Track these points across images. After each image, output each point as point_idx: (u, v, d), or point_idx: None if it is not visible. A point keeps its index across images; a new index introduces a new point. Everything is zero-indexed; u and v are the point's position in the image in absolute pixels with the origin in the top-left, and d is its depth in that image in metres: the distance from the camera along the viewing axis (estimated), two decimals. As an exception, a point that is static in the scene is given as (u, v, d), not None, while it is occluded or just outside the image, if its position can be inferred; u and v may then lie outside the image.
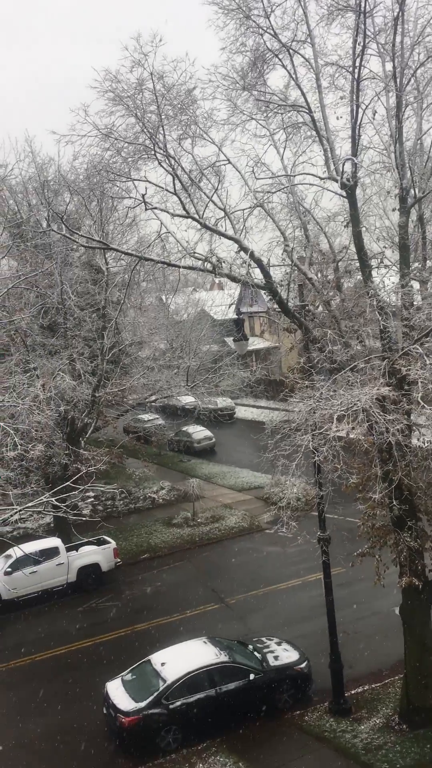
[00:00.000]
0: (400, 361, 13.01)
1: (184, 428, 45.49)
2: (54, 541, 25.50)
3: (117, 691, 16.52)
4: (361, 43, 13.52)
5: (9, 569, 23.74)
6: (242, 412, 54.06)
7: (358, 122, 14.11)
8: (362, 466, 14.71)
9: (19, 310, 22.86)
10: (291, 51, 14.32)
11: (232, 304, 44.32)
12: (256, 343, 60.97)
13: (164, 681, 16.20)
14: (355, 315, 15.16)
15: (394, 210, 15.39)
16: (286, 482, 30.21)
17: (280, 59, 14.60)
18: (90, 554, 25.56)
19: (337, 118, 14.64)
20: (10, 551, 23.54)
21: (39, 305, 25.49)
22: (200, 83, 14.59)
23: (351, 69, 13.87)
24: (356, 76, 13.77)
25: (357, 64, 13.69)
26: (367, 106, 14.34)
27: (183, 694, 16.07)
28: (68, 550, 25.30)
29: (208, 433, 45.30)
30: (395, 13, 13.37)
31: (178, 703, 15.95)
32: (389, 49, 13.84)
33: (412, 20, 14.02)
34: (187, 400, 44.49)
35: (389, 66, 14.04)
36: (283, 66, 14.60)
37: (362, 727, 15.84)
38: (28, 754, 16.35)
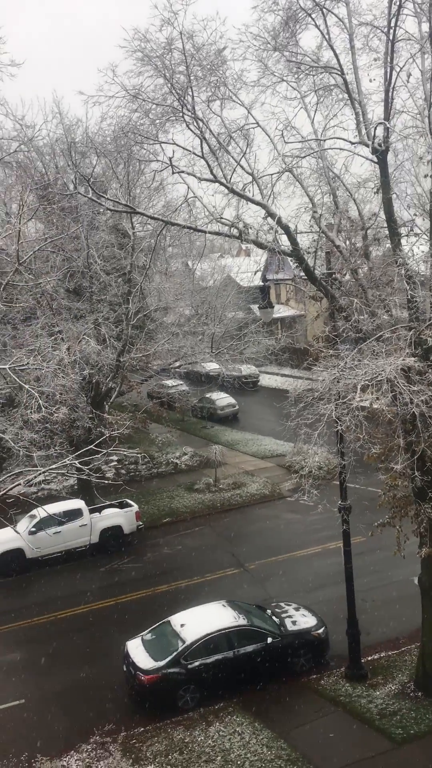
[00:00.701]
0: (426, 332, 12.88)
1: (208, 395, 45.57)
2: (77, 503, 25.91)
3: (137, 650, 16.87)
4: (398, 3, 13.10)
5: (33, 529, 24.21)
6: (266, 380, 54.00)
7: (392, 85, 13.75)
8: (385, 437, 14.65)
9: (45, 274, 22.86)
10: (324, 10, 13.94)
11: (258, 270, 43.94)
12: (281, 311, 60.61)
13: (183, 641, 16.50)
14: (382, 284, 14.96)
15: (426, 176, 15.02)
16: (308, 451, 30.35)
17: (312, 19, 14.21)
18: (112, 516, 25.93)
19: (370, 81, 14.28)
20: (34, 512, 23.96)
21: (65, 269, 25.47)
22: (230, 43, 14.29)
23: (386, 29, 13.47)
24: (391, 37, 13.37)
25: (392, 24, 13.28)
26: (401, 69, 13.93)
27: (201, 655, 16.37)
28: (91, 512, 25.68)
29: (231, 400, 45.36)
30: (434, -29, 12.93)
31: (197, 664, 16.26)
32: (426, 10, 13.39)
33: (451, -21, 13.53)
34: (212, 366, 44.47)
35: (426, 27, 13.60)
36: (316, 26, 14.22)
37: (377, 693, 16.04)
38: (50, 707, 16.83)
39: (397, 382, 11.80)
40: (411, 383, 12.09)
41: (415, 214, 16.31)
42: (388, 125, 13.83)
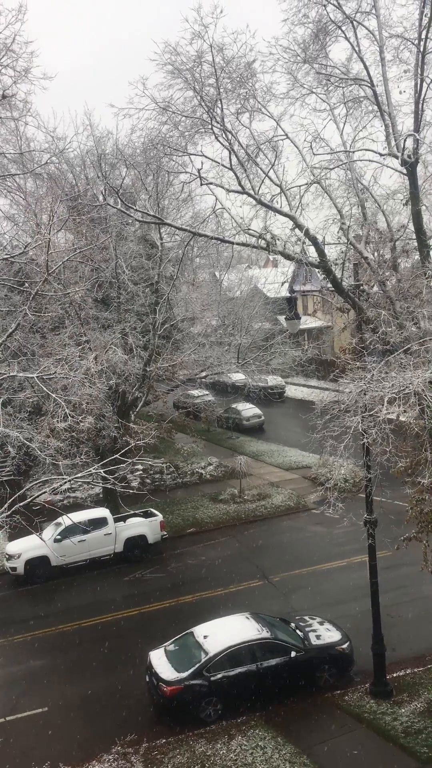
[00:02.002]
0: (455, 344, 12.73)
1: (234, 405, 45.53)
2: (102, 512, 25.99)
3: (160, 661, 16.83)
4: (429, 15, 13.11)
5: (58, 537, 24.33)
6: (292, 391, 53.80)
7: (422, 97, 13.74)
8: (412, 450, 14.51)
9: (73, 284, 23.11)
10: (355, 23, 14.01)
11: (285, 282, 44.02)
12: (308, 322, 60.42)
13: (206, 653, 16.43)
14: (410, 296, 14.87)
15: (456, 188, 14.97)
16: (334, 463, 30.08)
17: (342, 31, 14.30)
18: (137, 526, 25.97)
19: (400, 93, 14.30)
20: (59, 519, 24.08)
21: (93, 279, 25.74)
22: (260, 56, 14.43)
23: (416, 41, 13.48)
24: (422, 48, 13.39)
25: (423, 36, 13.31)
26: None
27: (224, 667, 16.27)
28: (116, 521, 25.75)
29: (257, 410, 45.27)
30: (465, -17, 12.89)
31: (219, 676, 16.16)
32: (457, 21, 13.36)
33: None
34: (238, 377, 44.50)
35: (457, 38, 13.56)
36: (346, 38, 14.29)
37: (403, 711, 15.80)
38: (72, 715, 16.84)
39: (425, 395, 11.70)
40: (439, 396, 11.96)
41: (444, 226, 16.19)
42: (417, 137, 13.80)
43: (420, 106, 13.73)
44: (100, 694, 17.64)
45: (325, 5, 14.10)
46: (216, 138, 14.82)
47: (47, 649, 20.15)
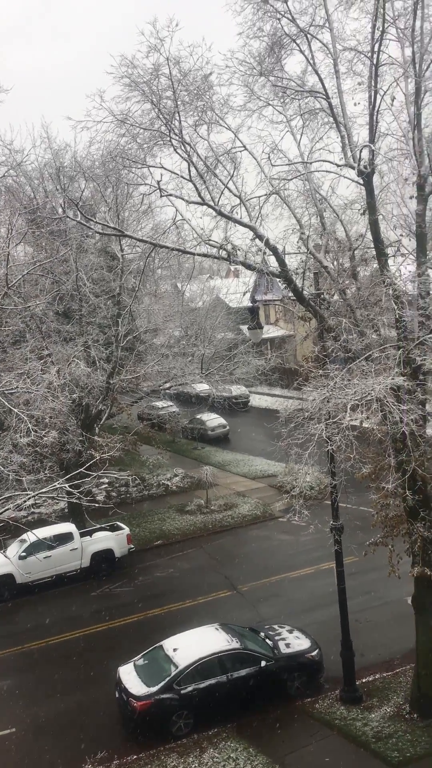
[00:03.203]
0: (415, 351, 12.95)
1: (198, 416, 45.53)
2: (68, 527, 25.70)
3: (129, 676, 16.66)
4: (380, 28, 13.34)
5: (23, 554, 23.96)
6: (256, 401, 54.02)
7: (376, 108, 13.95)
8: (376, 456, 14.67)
9: (34, 297, 22.89)
10: (309, 36, 14.16)
11: (246, 292, 44.21)
12: (270, 332, 60.82)
13: (176, 666, 16.31)
14: (370, 304, 15.06)
15: (411, 197, 15.22)
16: (300, 471, 30.21)
17: (297, 44, 14.44)
18: (103, 540, 25.74)
19: (355, 104, 14.49)
20: (24, 536, 23.77)
21: (54, 292, 25.53)
22: (217, 69, 14.49)
23: (369, 54, 13.69)
24: (375, 61, 13.59)
25: (376, 49, 13.51)
26: (385, 92, 14.16)
27: (195, 680, 16.18)
28: (82, 535, 25.49)
29: (222, 420, 45.32)
30: (415, -2, 13.18)
31: (190, 689, 16.06)
32: (408, 35, 13.65)
33: (433, 5, 13.80)
34: (202, 387, 44.53)
35: (408, 51, 13.87)
36: (301, 51, 14.44)
37: (373, 716, 15.88)
38: (41, 735, 16.56)
39: (387, 402, 11.84)
40: (401, 402, 12.13)
41: (401, 235, 16.46)
42: (373, 148, 14.01)
43: (374, 117, 13.94)
44: (70, 712, 17.38)
45: (279, 19, 14.25)
46: (175, 150, 14.85)
47: (14, 668, 19.81)
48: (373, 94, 13.79)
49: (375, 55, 13.55)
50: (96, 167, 22.31)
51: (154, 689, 15.93)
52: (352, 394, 12.00)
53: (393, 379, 12.16)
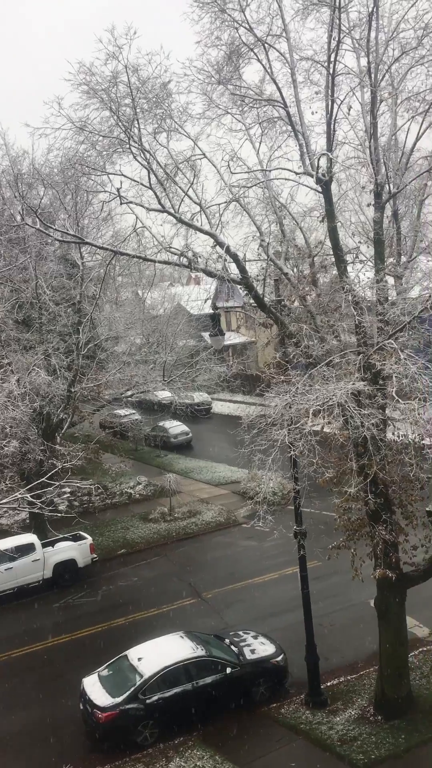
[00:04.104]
0: (375, 356, 13.10)
1: (161, 423, 45.38)
2: (29, 538, 25.33)
3: (93, 687, 16.48)
4: (336, 38, 13.54)
5: (-16, 566, 23.56)
6: (219, 407, 54.07)
7: (333, 117, 14.14)
8: (338, 461, 14.80)
9: (-7, 305, 22.64)
10: (266, 45, 14.28)
11: (208, 299, 44.33)
12: (232, 338, 60.97)
13: (141, 676, 16.19)
14: (330, 310, 15.23)
15: (369, 205, 15.45)
16: (263, 477, 30.33)
17: (255, 53, 14.55)
18: (66, 550, 25.43)
19: (312, 113, 14.66)
20: (-16, 548, 23.35)
21: (13, 300, 25.25)
22: (175, 77, 14.52)
23: (326, 64, 13.89)
24: (331, 71, 13.79)
25: (332, 59, 13.71)
26: (342, 102, 14.36)
27: (160, 689, 16.08)
28: (44, 546, 25.14)
29: (184, 428, 45.25)
30: (370, 9, 13.41)
31: (155, 698, 15.95)
32: (364, 45, 13.85)
33: (387, 16, 14.06)
34: (164, 395, 44.38)
35: (364, 61, 14.07)
36: (259, 60, 14.56)
37: (338, 719, 15.97)
38: (5, 750, 16.25)
39: (348, 406, 11.96)
40: (361, 407, 12.27)
41: (359, 242, 16.70)
42: (330, 156, 14.20)
43: (332, 126, 14.13)
44: (33, 726, 17.11)
45: (236, 28, 14.35)
46: (134, 157, 14.82)
47: (-25, 683, 19.42)
48: (330, 103, 13.98)
49: (331, 65, 13.75)
50: (55, 174, 22.20)
51: (118, 700, 15.79)
52: (314, 399, 12.11)
53: (354, 384, 12.29)
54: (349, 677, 17.79)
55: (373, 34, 13.65)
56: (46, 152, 16.87)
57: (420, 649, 18.32)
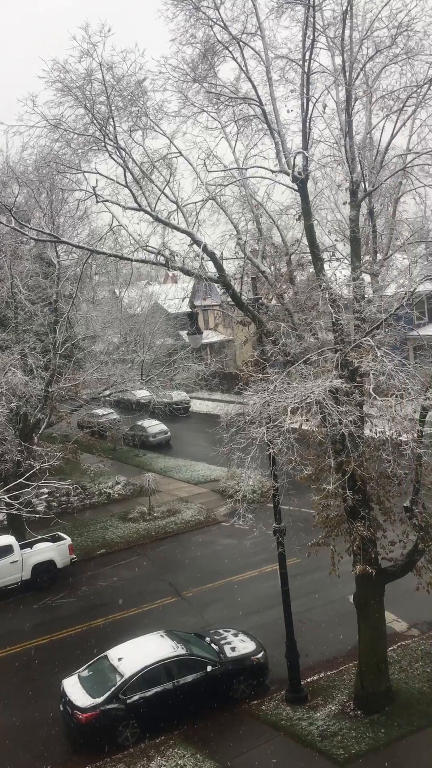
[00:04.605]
0: (352, 354, 13.18)
1: (139, 422, 45.28)
2: (7, 539, 25.12)
3: (74, 688, 16.40)
4: (311, 37, 13.58)
5: (-39, 568, 23.33)
6: (197, 406, 54.06)
7: (309, 116, 14.18)
8: (316, 458, 14.86)
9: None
10: (241, 43, 14.28)
11: (185, 297, 44.19)
12: (210, 337, 61.01)
13: (121, 676, 16.14)
14: (307, 308, 15.28)
15: (345, 203, 15.54)
16: (242, 475, 30.33)
17: (230, 51, 14.54)
18: (45, 551, 25.26)
19: (288, 111, 14.70)
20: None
21: (-12, 299, 25.00)
22: (150, 74, 14.45)
23: (301, 62, 13.92)
24: (306, 69, 13.82)
25: (307, 57, 13.75)
26: (317, 100, 14.42)
27: (140, 688, 16.03)
28: (22, 547, 24.96)
29: (163, 427, 45.18)
30: (344, 7, 13.45)
31: (136, 698, 15.91)
32: (338, 43, 13.91)
33: (361, 14, 14.13)
34: (142, 394, 44.29)
35: (339, 60, 14.14)
36: (234, 58, 14.55)
37: (318, 715, 16.05)
38: (-17, 754, 16.13)
39: (326, 404, 12.01)
40: (339, 404, 12.32)
41: (336, 240, 16.78)
42: (306, 154, 14.23)
43: (307, 124, 14.17)
44: (13, 729, 16.98)
45: (211, 26, 14.32)
46: (110, 155, 14.73)
47: None
48: (305, 101, 14.02)
49: (306, 63, 13.79)
50: (30, 172, 22.01)
51: (99, 700, 15.72)
52: (292, 397, 12.14)
53: (331, 381, 12.34)
54: (329, 673, 17.88)
55: (347, 33, 13.71)
56: (20, 150, 16.69)
57: (398, 644, 18.46)
